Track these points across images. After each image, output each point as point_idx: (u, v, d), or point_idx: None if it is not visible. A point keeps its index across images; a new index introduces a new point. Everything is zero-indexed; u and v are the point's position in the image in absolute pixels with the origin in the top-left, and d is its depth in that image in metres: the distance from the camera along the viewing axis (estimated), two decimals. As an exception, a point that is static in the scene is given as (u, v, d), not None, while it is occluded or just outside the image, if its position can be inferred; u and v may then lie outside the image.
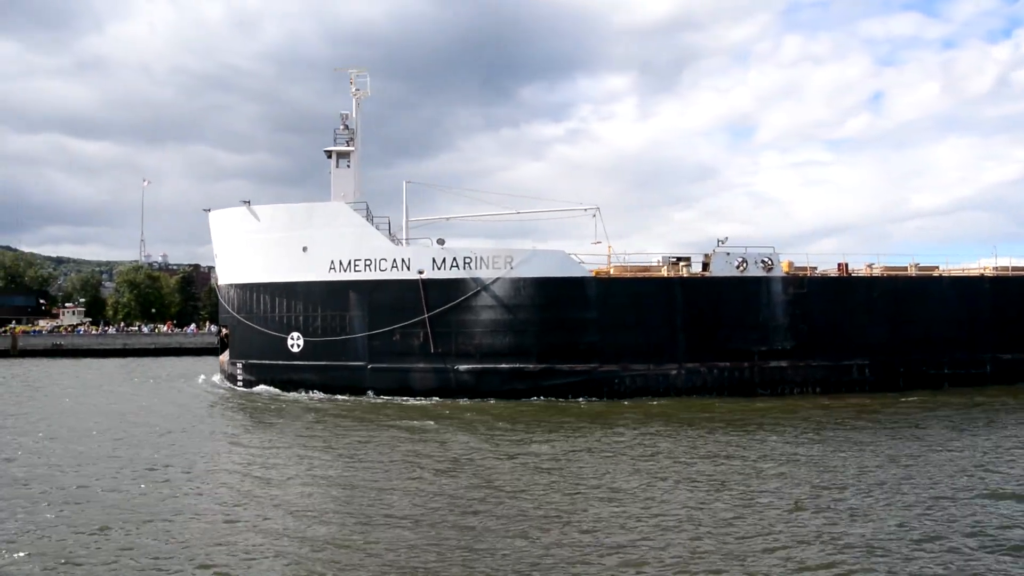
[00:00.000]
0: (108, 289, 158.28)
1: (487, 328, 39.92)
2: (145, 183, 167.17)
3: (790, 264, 42.19)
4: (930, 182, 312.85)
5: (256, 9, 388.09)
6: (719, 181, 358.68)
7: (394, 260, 40.78)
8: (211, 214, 46.26)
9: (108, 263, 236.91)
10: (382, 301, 40.71)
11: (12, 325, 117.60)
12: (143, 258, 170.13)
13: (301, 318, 42.34)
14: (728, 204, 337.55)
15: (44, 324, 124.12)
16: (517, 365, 39.54)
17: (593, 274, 40.71)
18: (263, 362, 43.60)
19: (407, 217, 42.72)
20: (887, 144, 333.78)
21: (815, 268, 44.19)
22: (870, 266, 44.30)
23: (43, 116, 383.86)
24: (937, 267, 45.67)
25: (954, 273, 45.86)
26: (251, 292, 43.99)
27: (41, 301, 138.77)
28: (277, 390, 42.41)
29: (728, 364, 40.24)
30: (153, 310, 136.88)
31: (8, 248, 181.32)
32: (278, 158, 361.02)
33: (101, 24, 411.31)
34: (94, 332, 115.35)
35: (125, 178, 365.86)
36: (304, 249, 42.04)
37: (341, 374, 41.32)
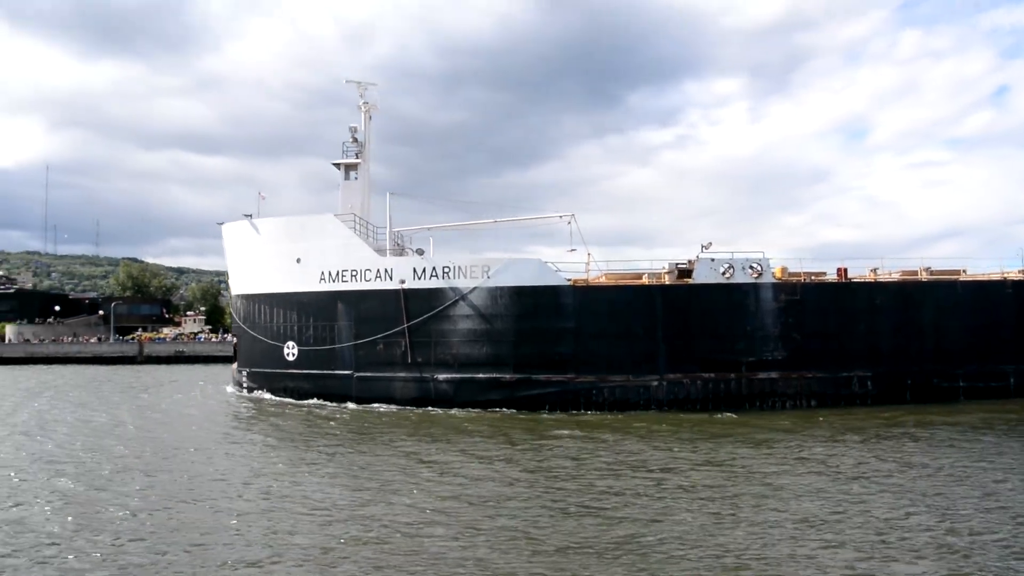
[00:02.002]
0: (227, 298, 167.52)
1: (465, 338, 39.80)
2: (262, 197, 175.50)
3: (783, 270, 39.85)
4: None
5: (366, 23, 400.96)
6: (832, 184, 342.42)
7: (378, 271, 41.34)
8: (223, 227, 48.32)
9: (226, 273, 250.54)
10: (367, 311, 41.37)
11: (139, 333, 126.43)
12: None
13: (295, 328, 43.58)
14: (841, 207, 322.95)
15: (167, 332, 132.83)
16: (494, 375, 39.21)
17: (571, 282, 39.85)
18: (264, 370, 45.20)
19: (391, 228, 43.18)
20: (1012, 141, 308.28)
21: (824, 273, 41.58)
22: (874, 271, 41.25)
23: (166, 134, 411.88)
24: (960, 271, 41.97)
25: (977, 278, 42.00)
26: (254, 303, 45.67)
27: (164, 310, 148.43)
28: (279, 397, 43.91)
29: (713, 376, 38.39)
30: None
31: (134, 260, 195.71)
32: (388, 169, 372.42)
33: (219, 44, 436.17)
34: (213, 339, 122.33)
35: (242, 191, 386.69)
36: (298, 261, 43.28)
37: (330, 383, 42.25)
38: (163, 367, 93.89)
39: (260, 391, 45.18)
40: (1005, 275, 41.45)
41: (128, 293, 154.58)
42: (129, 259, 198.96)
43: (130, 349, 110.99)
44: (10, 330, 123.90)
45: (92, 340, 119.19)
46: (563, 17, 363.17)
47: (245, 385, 46.59)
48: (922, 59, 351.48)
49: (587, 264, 40.59)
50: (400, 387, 40.62)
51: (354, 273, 41.88)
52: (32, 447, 28.91)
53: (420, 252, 41.37)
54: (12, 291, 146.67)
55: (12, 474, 23.63)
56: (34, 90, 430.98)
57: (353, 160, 48.09)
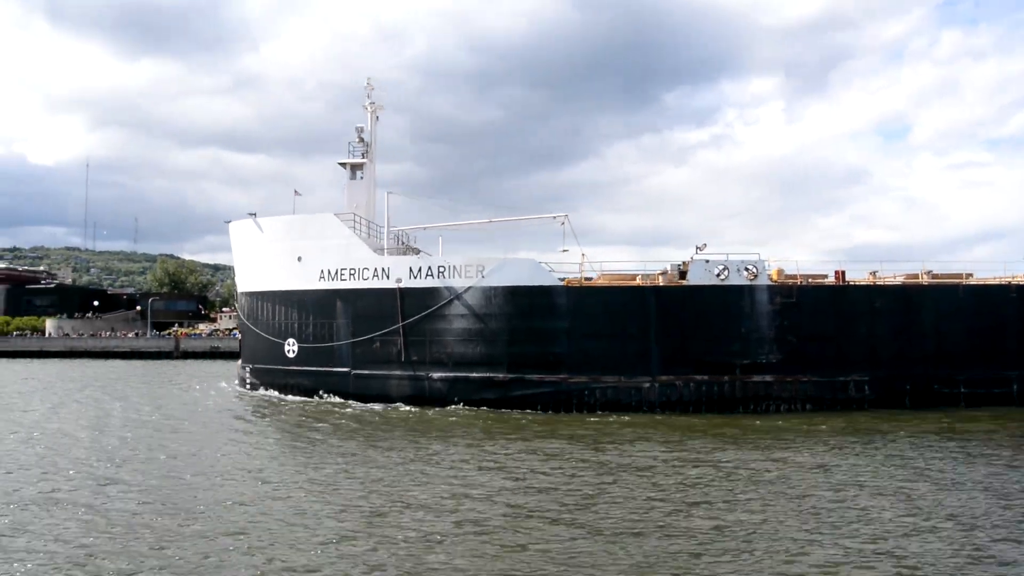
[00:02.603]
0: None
1: (459, 337, 39.93)
2: (297, 194, 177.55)
3: (780, 272, 39.33)
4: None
5: (401, 23, 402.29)
6: (869, 185, 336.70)
7: (375, 269, 41.66)
8: (230, 225, 49.02)
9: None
10: (364, 309, 41.72)
11: (175, 328, 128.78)
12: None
13: (296, 325, 44.08)
14: (878, 209, 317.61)
15: (203, 328, 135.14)
16: (487, 374, 39.29)
17: (564, 283, 39.75)
18: (266, 367, 45.80)
19: (389, 227, 43.47)
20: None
21: (825, 276, 40.92)
22: (874, 274, 40.48)
23: (203, 132, 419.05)
24: (963, 275, 40.93)
25: (982, 282, 40.97)
26: (257, 300, 46.32)
27: (200, 306, 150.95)
28: (279, 393, 44.53)
29: (706, 378, 38.02)
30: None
31: (172, 256, 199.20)
32: (422, 168, 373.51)
33: (256, 44, 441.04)
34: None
35: (278, 189, 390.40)
36: (299, 259, 43.76)
37: (329, 380, 42.69)
38: (199, 362, 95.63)
39: (262, 388, 45.82)
40: (1010, 279, 40.39)
41: (165, 289, 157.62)
42: (166, 255, 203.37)
43: (167, 344, 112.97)
44: (50, 324, 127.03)
45: (130, 335, 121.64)
46: (598, 16, 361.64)
47: (249, 381, 47.28)
48: (962, 58, 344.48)
49: (580, 264, 40.50)
50: (395, 385, 40.89)
51: (352, 272, 42.25)
52: (93, 439, 30.25)
53: (416, 251, 41.55)
54: (53, 286, 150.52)
55: (89, 466, 24.67)
56: (75, 89, 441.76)
57: (359, 160, 48.53)
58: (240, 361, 49.92)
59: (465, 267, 40.02)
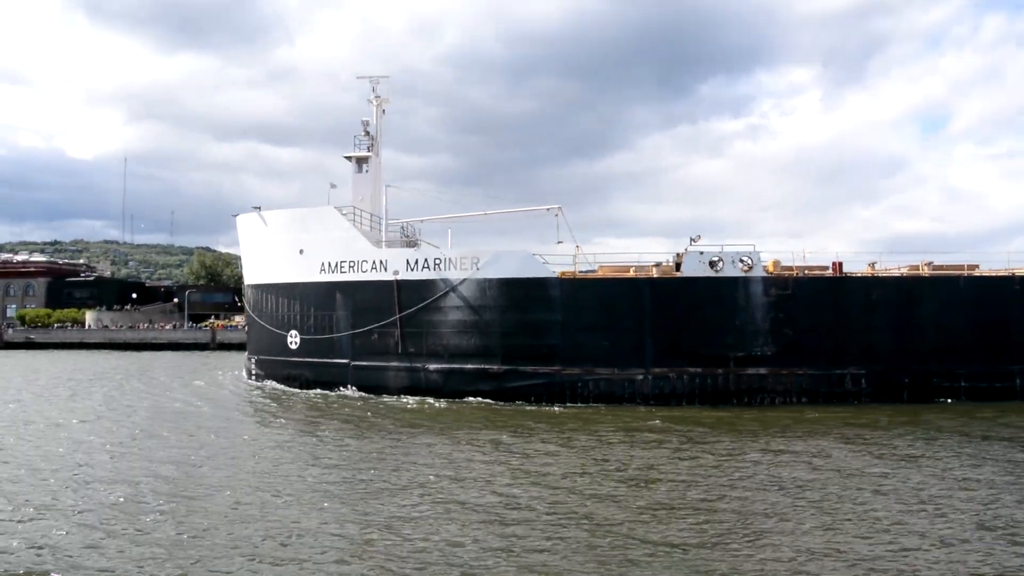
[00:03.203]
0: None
1: (455, 328, 40.15)
2: (332, 187, 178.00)
3: (776, 264, 38.84)
4: None
5: (436, 14, 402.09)
6: (908, 175, 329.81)
7: (374, 262, 42.03)
8: (237, 219, 49.78)
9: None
10: (363, 301, 42.13)
11: (211, 320, 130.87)
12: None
13: (298, 317, 44.69)
14: (918, 199, 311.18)
15: (239, 319, 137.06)
16: (482, 366, 39.44)
17: (558, 275, 39.72)
18: (270, 358, 46.53)
19: (387, 220, 43.81)
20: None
21: (826, 268, 40.31)
22: (872, 265, 39.77)
23: (240, 125, 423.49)
24: (969, 267, 39.96)
25: (984, 274, 40.01)
26: (262, 292, 47.06)
27: (236, 298, 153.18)
28: (283, 385, 45.17)
29: (700, 370, 37.74)
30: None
31: (208, 249, 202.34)
32: (456, 159, 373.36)
33: (292, 36, 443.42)
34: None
35: (314, 181, 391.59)
36: (301, 252, 44.33)
37: (329, 371, 43.22)
38: (234, 353, 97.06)
39: (267, 378, 46.56)
40: (1013, 271, 39.41)
41: (202, 281, 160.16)
42: (203, 248, 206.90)
43: (203, 336, 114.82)
44: (90, 316, 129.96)
45: (167, 327, 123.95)
46: (634, 5, 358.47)
47: (254, 372, 48.08)
48: (1006, 45, 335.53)
49: (575, 256, 40.43)
50: (393, 376, 41.27)
51: (352, 264, 42.68)
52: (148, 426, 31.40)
53: (413, 244, 41.86)
54: (92, 279, 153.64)
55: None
56: (113, 84, 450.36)
57: (364, 153, 48.94)
58: (247, 353, 50.77)
59: (460, 259, 40.19)
